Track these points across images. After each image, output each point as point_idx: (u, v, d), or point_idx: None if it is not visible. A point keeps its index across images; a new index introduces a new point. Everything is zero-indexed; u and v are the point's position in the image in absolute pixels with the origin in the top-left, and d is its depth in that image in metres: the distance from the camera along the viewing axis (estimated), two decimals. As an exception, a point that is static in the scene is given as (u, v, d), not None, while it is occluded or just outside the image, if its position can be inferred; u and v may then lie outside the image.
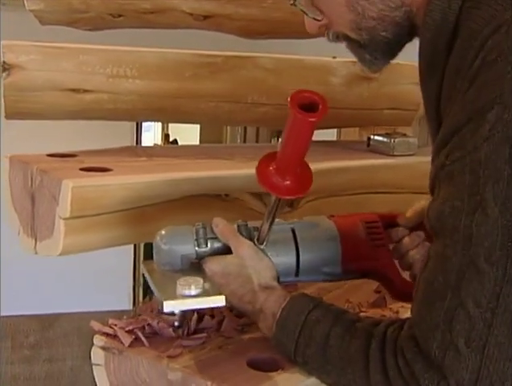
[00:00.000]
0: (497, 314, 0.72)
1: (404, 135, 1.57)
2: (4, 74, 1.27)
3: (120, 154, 1.36)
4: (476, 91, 0.74)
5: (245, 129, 4.23)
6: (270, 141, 3.99)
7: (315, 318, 0.90)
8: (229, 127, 4.42)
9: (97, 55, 1.34)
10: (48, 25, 1.49)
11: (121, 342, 1.01)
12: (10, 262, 3.39)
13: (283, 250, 1.04)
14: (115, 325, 1.05)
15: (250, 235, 1.03)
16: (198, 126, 5.99)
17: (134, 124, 3.91)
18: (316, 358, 0.88)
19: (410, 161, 1.52)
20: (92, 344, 1.06)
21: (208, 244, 1.02)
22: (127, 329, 1.04)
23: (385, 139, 1.55)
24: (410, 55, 1.69)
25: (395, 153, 1.52)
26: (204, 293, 0.92)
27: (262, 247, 1.03)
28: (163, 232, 1.04)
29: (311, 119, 0.86)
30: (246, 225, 1.04)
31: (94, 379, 1.05)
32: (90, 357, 1.04)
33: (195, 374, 0.92)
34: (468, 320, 0.73)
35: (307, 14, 0.91)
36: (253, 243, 1.02)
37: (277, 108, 1.44)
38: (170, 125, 6.56)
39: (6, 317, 3.59)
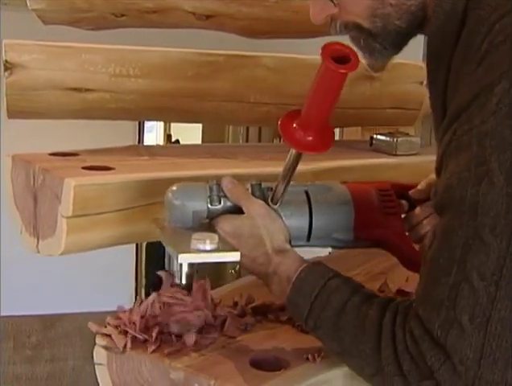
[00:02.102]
0: (501, 288, 0.72)
1: (407, 135, 1.57)
2: (6, 73, 1.27)
3: (122, 153, 1.36)
4: (484, 70, 0.75)
5: (247, 129, 4.23)
6: (273, 141, 3.98)
7: (335, 286, 0.89)
8: (230, 127, 4.42)
9: (100, 54, 1.34)
10: (51, 24, 1.49)
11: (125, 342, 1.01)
12: (12, 262, 3.39)
13: (297, 211, 1.02)
14: (118, 326, 1.05)
15: (264, 195, 1.00)
16: (200, 127, 5.99)
17: (137, 124, 3.91)
18: (330, 323, 0.87)
19: (413, 160, 1.52)
20: (95, 344, 1.06)
21: (222, 202, 0.99)
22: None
23: (387, 138, 1.55)
24: (412, 54, 1.69)
25: (398, 153, 1.52)
26: (219, 249, 0.90)
27: (275, 207, 1.00)
28: (175, 188, 1.01)
29: (342, 70, 0.84)
30: (260, 185, 1.01)
31: (96, 379, 1.05)
32: (92, 357, 1.04)
33: (197, 373, 0.92)
34: (473, 294, 0.73)
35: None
36: (267, 203, 0.99)
37: (279, 108, 1.44)
38: (172, 125, 6.56)
39: (8, 317, 3.58)
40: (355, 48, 0.91)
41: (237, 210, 0.99)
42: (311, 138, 0.92)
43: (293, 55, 1.45)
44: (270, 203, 1.00)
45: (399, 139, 1.53)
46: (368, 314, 0.84)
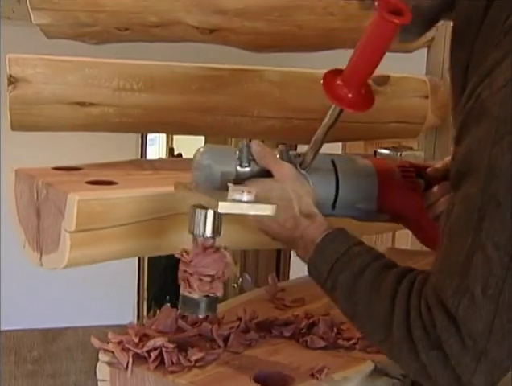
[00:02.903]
0: None
1: (410, 149, 1.57)
2: (10, 87, 1.27)
3: (125, 168, 1.36)
4: (508, 40, 0.75)
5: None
6: (275, 155, 3.98)
7: (357, 251, 0.89)
8: (233, 141, 4.42)
9: (103, 68, 1.34)
10: (54, 38, 1.49)
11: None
12: (14, 276, 3.38)
13: (324, 179, 1.02)
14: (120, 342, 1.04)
15: (291, 161, 1.00)
16: (203, 140, 6.01)
17: (139, 138, 3.92)
18: (347, 285, 0.87)
19: (417, 174, 1.51)
20: (96, 359, 1.05)
21: (250, 165, 0.98)
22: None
23: (391, 152, 1.55)
24: (415, 69, 1.70)
25: (402, 167, 1.52)
26: (257, 201, 0.90)
27: (303, 172, 1.00)
28: (203, 149, 1.00)
29: (396, 21, 0.86)
30: (288, 150, 1.01)
31: (99, 395, 1.05)
32: (95, 372, 1.04)
33: (201, 389, 0.91)
34: (487, 264, 0.72)
35: None
36: (295, 168, 0.99)
37: (283, 122, 1.44)
38: (174, 139, 6.58)
39: (10, 331, 3.58)
40: None
41: (265, 174, 0.98)
42: (354, 96, 0.94)
43: (297, 69, 1.45)
44: (298, 168, 1.00)
45: (403, 153, 1.53)
46: (385, 279, 0.83)
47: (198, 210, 0.96)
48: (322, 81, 0.95)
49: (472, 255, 0.73)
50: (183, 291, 0.96)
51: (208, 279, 0.96)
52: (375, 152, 1.59)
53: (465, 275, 0.73)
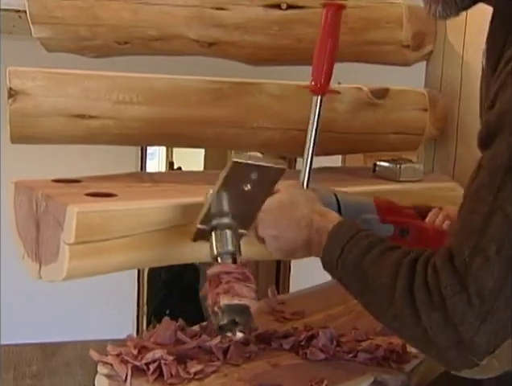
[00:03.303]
0: None
1: (410, 161, 1.57)
2: (10, 100, 1.27)
3: (125, 180, 1.36)
4: None
5: (250, 156, 4.24)
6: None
7: (366, 235, 0.91)
8: (233, 154, 4.43)
9: (103, 81, 1.34)
10: (55, 52, 1.50)
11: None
12: (12, 290, 3.38)
13: (324, 192, 1.07)
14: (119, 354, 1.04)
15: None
16: (202, 154, 6.02)
17: (139, 152, 3.92)
18: (355, 263, 0.88)
19: (416, 187, 1.51)
20: (95, 373, 1.05)
21: None
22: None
23: (391, 165, 1.55)
24: (414, 82, 1.70)
25: (401, 179, 1.52)
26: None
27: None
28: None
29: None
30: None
31: (98, 408, 1.04)
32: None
33: (200, 402, 0.91)
34: (505, 225, 0.72)
35: None
36: None
37: (282, 133, 1.44)
38: (174, 152, 6.59)
39: (9, 345, 3.56)
40: None
41: None
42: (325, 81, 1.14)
43: (296, 82, 1.45)
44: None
45: (403, 166, 1.53)
46: (391, 255, 0.84)
47: (227, 231, 1.02)
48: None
49: (493, 213, 0.73)
50: (225, 301, 0.95)
51: (253, 285, 0.98)
52: (374, 164, 1.59)
53: (483, 233, 0.73)
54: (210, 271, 0.99)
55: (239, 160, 1.00)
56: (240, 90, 1.42)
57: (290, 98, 1.45)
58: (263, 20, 1.48)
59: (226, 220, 1.03)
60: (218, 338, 1.13)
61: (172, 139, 1.43)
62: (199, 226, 1.04)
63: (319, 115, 1.14)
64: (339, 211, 1.07)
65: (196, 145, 1.53)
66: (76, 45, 1.47)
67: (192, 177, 1.47)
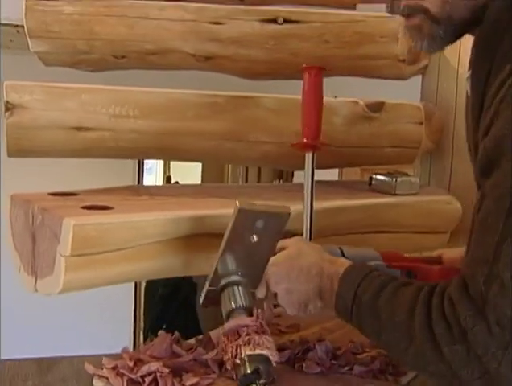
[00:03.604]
0: None
1: (406, 174, 1.58)
2: (7, 114, 1.28)
3: (121, 193, 1.36)
4: None
5: (247, 171, 4.25)
6: (272, 183, 3.99)
7: (378, 274, 0.91)
8: (230, 169, 4.44)
9: (100, 94, 1.35)
10: (52, 66, 1.51)
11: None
12: (8, 305, 3.36)
13: (328, 247, 1.07)
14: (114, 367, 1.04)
15: None
16: (200, 169, 6.02)
17: (136, 166, 3.92)
18: (369, 304, 0.87)
19: (412, 200, 1.52)
20: (92, 388, 1.04)
21: None
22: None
23: (387, 178, 1.55)
24: (410, 96, 1.71)
25: (397, 193, 1.52)
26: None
27: None
28: None
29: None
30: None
31: (93, 423, 1.04)
32: (90, 399, 1.03)
33: (196, 415, 0.91)
34: None
35: None
36: None
37: (279, 147, 1.44)
38: (172, 167, 6.59)
39: (5, 360, 3.54)
40: (413, 34, 0.94)
41: None
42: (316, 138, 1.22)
43: (292, 96, 1.46)
44: None
45: (398, 179, 1.54)
46: (405, 292, 0.84)
47: (237, 287, 1.03)
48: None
49: (504, 241, 0.73)
50: (247, 352, 0.95)
51: (271, 339, 0.98)
52: (370, 178, 1.60)
53: (496, 261, 0.73)
54: (227, 326, 0.99)
55: (245, 207, 1.00)
56: (236, 104, 1.43)
57: (286, 112, 1.45)
58: (259, 34, 1.49)
59: (235, 278, 1.03)
60: (214, 352, 1.13)
61: (169, 152, 1.43)
62: (209, 287, 1.04)
63: (313, 170, 1.22)
64: (342, 253, 1.08)
65: (192, 159, 1.54)
66: (73, 59, 1.48)
67: (188, 190, 1.47)
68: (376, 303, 0.86)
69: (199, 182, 5.86)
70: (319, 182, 1.56)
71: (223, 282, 1.03)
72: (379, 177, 1.58)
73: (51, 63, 1.50)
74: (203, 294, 1.05)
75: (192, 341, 1.24)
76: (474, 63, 0.90)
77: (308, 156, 1.23)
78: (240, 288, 1.02)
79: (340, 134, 1.50)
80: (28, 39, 1.45)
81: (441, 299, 0.78)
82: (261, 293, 1.03)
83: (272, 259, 1.02)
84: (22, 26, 1.48)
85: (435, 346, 0.77)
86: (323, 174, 1.51)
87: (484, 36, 0.88)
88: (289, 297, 1.00)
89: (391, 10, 0.95)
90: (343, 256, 1.07)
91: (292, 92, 1.47)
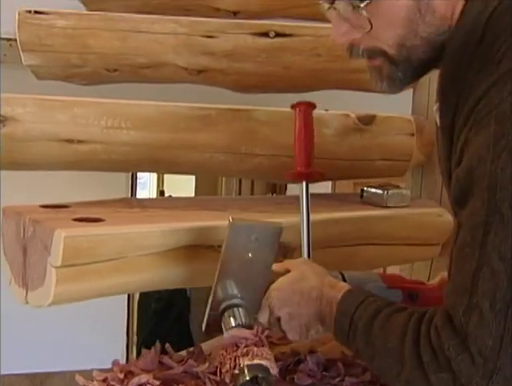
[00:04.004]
0: None
1: (397, 187, 1.58)
2: (-1, 126, 1.28)
3: (113, 206, 1.36)
4: (502, 65, 0.78)
5: (240, 185, 4.25)
6: (265, 196, 3.99)
7: (373, 300, 0.91)
8: (223, 183, 4.44)
9: (92, 107, 1.35)
10: (45, 80, 1.51)
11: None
12: (0, 320, 3.35)
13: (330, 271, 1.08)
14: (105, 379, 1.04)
15: None
16: (193, 184, 6.02)
17: (130, 181, 3.92)
18: (364, 330, 0.88)
19: (404, 212, 1.52)
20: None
21: None
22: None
23: (378, 191, 1.56)
24: (401, 109, 1.72)
25: (389, 205, 1.53)
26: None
27: None
28: None
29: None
30: None
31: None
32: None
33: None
34: (493, 278, 0.73)
35: (343, 22, 0.90)
36: None
37: (270, 159, 1.45)
38: (165, 181, 6.60)
39: (-3, 376, 3.52)
40: (374, 75, 0.95)
41: None
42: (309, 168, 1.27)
43: (285, 108, 1.46)
44: None
45: (390, 191, 1.54)
46: (397, 318, 0.85)
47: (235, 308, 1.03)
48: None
49: (480, 269, 0.74)
50: (246, 361, 0.95)
51: (268, 351, 0.99)
52: (362, 190, 1.60)
53: (474, 291, 0.74)
54: (225, 337, 0.99)
55: (238, 221, 1.02)
56: (228, 116, 1.43)
57: (278, 124, 1.46)
58: (251, 48, 1.50)
59: (235, 301, 1.04)
60: (206, 365, 1.12)
61: (161, 165, 1.43)
62: (209, 313, 1.04)
63: (307, 198, 1.25)
64: (343, 278, 1.09)
65: (185, 172, 1.54)
66: (66, 72, 1.49)
67: (181, 203, 1.47)
68: (370, 329, 0.87)
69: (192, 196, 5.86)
70: (312, 195, 1.57)
71: (223, 306, 1.03)
72: (371, 189, 1.58)
73: (44, 77, 1.51)
74: (204, 320, 1.05)
75: (183, 353, 1.24)
76: (441, 96, 0.91)
77: (302, 185, 1.27)
78: (240, 309, 1.03)
79: (331, 147, 1.51)
80: (21, 53, 1.46)
81: (428, 327, 0.79)
82: (263, 318, 1.03)
83: (275, 283, 1.03)
84: (15, 40, 1.48)
85: (424, 374, 0.78)
86: (316, 187, 1.52)
87: (447, 72, 0.89)
88: (291, 321, 1.01)
89: (350, 54, 0.95)
90: (343, 277, 1.09)
91: (284, 105, 1.48)
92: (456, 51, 0.86)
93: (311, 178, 1.28)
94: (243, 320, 1.02)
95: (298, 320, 1.00)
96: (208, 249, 1.25)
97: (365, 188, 1.59)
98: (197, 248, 1.23)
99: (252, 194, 4.21)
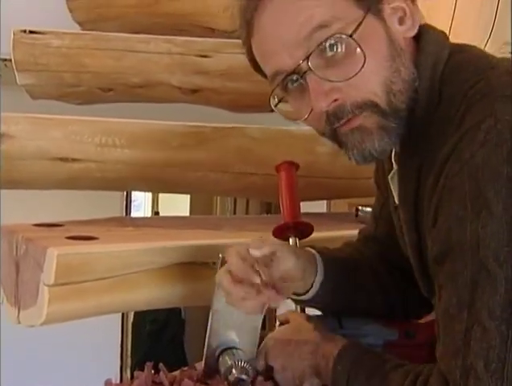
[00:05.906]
0: None
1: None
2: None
3: (107, 224, 1.36)
4: (467, 120, 0.76)
5: (235, 203, 4.24)
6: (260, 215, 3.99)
7: (368, 357, 0.89)
8: (218, 203, 4.43)
9: (86, 125, 1.35)
10: (39, 99, 1.52)
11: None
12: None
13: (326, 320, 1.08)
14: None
15: None
16: (188, 205, 6.01)
17: (124, 202, 3.91)
18: None
19: (398, 231, 1.52)
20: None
21: None
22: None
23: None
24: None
25: (383, 224, 1.52)
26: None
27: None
28: None
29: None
30: None
31: None
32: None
33: None
34: (485, 337, 0.70)
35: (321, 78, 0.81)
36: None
37: (264, 178, 1.45)
38: (160, 202, 6.58)
39: (-11, 399, 3.48)
40: (355, 137, 0.85)
41: None
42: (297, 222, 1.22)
43: (278, 126, 1.47)
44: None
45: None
46: (394, 377, 0.83)
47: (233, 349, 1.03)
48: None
49: (471, 329, 0.72)
50: None
51: None
52: (357, 209, 1.60)
53: (467, 350, 0.72)
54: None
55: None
56: (222, 134, 1.44)
57: (272, 142, 1.46)
58: (245, 67, 1.50)
59: (231, 344, 1.03)
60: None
61: (154, 183, 1.43)
62: (207, 358, 1.04)
63: None
64: (339, 323, 1.08)
65: (178, 190, 1.54)
66: (61, 92, 1.50)
67: (174, 222, 1.47)
68: None
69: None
70: (306, 214, 1.56)
71: (218, 351, 1.03)
72: (365, 209, 1.58)
73: (38, 96, 1.52)
74: (203, 364, 1.05)
75: (177, 373, 1.22)
76: (403, 166, 0.90)
77: (292, 241, 1.20)
78: (237, 350, 1.02)
79: (325, 164, 1.51)
80: (16, 72, 1.47)
81: None
82: (259, 365, 1.02)
83: (273, 333, 1.04)
84: (10, 60, 1.49)
85: None
86: (311, 207, 1.52)
87: (411, 135, 0.85)
88: (285, 373, 0.99)
89: (335, 118, 0.83)
90: (340, 326, 1.07)
91: (279, 124, 1.49)
92: (423, 109, 0.83)
93: (300, 230, 1.22)
94: (241, 357, 1.01)
95: (291, 373, 0.98)
96: (202, 267, 1.24)
97: (360, 207, 1.59)
98: (192, 266, 1.22)
99: (247, 213, 4.21)
